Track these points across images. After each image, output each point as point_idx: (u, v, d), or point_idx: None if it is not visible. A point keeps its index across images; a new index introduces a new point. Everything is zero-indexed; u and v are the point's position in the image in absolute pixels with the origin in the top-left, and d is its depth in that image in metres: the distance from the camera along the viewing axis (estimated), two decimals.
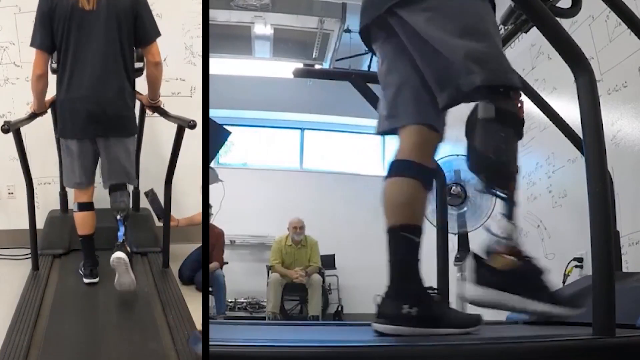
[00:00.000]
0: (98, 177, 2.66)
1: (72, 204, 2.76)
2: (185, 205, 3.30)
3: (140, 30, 2.50)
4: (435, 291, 1.46)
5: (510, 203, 1.40)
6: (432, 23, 1.41)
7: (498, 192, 1.42)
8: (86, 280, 2.65)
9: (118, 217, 2.50)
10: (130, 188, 2.76)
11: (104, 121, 2.44)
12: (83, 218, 2.65)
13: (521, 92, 1.42)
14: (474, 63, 1.35)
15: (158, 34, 2.55)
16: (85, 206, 2.64)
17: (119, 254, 2.35)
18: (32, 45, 2.42)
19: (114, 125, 2.48)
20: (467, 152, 1.43)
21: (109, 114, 2.45)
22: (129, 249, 2.44)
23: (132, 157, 2.61)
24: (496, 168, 1.38)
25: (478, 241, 3.50)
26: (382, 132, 1.59)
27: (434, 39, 1.41)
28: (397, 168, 1.48)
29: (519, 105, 1.40)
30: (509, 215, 1.40)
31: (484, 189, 1.42)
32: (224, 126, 3.65)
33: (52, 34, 2.40)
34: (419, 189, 1.46)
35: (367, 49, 1.66)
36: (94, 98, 2.42)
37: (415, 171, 1.46)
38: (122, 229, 2.48)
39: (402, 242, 1.42)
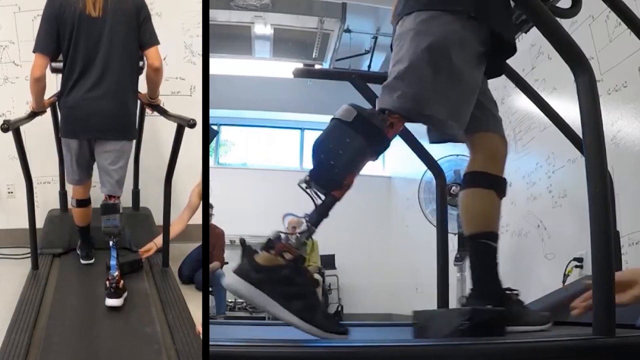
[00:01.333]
0: (96, 177, 2.68)
1: (70, 200, 2.87)
2: (186, 204, 3.29)
3: (144, 35, 2.54)
4: (514, 291, 1.54)
5: (319, 208, 1.33)
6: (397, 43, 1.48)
7: (314, 192, 1.34)
8: (83, 262, 2.89)
9: (110, 243, 2.52)
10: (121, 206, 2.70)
11: (104, 124, 2.48)
12: (80, 213, 2.85)
13: (399, 117, 1.37)
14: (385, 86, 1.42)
15: (157, 41, 2.59)
16: (83, 202, 2.81)
17: (110, 303, 2.31)
18: (35, 50, 2.44)
19: (113, 129, 2.51)
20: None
21: (111, 117, 2.49)
22: (122, 282, 2.38)
23: (126, 162, 2.62)
24: (323, 169, 1.32)
25: None
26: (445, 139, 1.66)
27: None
28: (475, 180, 1.59)
29: (392, 123, 1.35)
30: (312, 218, 1.33)
31: (305, 183, 1.34)
32: (221, 126, 3.65)
33: (58, 40, 2.43)
34: (495, 198, 1.58)
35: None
36: (98, 102, 2.46)
37: (491, 183, 1.58)
38: (114, 260, 2.46)
39: (483, 248, 1.55)
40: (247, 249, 1.30)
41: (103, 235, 2.57)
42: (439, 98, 1.39)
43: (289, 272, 1.27)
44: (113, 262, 2.46)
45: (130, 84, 2.56)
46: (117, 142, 2.54)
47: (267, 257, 1.28)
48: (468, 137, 1.62)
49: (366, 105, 2.21)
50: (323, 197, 1.33)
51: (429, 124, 1.49)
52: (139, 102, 2.83)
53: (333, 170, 1.31)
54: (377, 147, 1.35)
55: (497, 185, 1.59)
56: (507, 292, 1.53)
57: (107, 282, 2.35)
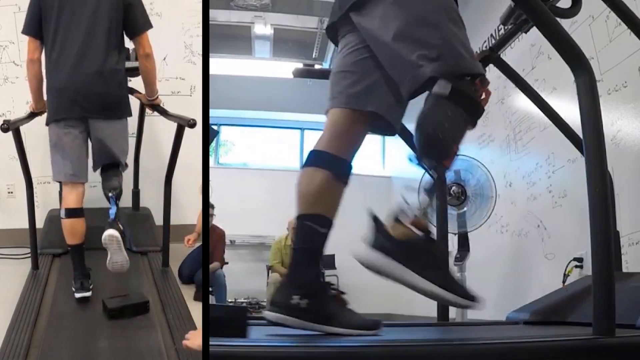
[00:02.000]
0: (92, 178, 2.60)
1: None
2: (186, 204, 3.30)
3: (131, 21, 2.49)
4: (334, 287, 1.44)
5: (437, 179, 1.39)
6: (382, 20, 1.44)
7: (427, 166, 1.40)
8: (77, 295, 2.38)
9: (110, 194, 2.41)
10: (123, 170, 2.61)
11: (91, 101, 2.38)
12: (72, 225, 2.42)
13: (487, 82, 1.39)
14: (422, 58, 1.37)
15: (149, 25, 2.54)
16: (74, 212, 2.42)
17: (110, 232, 2.28)
18: (22, 31, 2.44)
19: (102, 106, 2.40)
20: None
21: (96, 94, 2.39)
22: (121, 226, 2.37)
23: (125, 137, 2.53)
24: (431, 141, 1.35)
25: (477, 241, 3.51)
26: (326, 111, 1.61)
27: (384, 37, 1.43)
28: (311, 159, 1.50)
29: (483, 95, 1.37)
30: (431, 190, 1.40)
31: (415, 159, 1.39)
32: (221, 126, 3.65)
33: (41, 21, 2.41)
34: (331, 180, 1.45)
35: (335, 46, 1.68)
36: (80, 78, 2.37)
37: (328, 163, 1.47)
38: (114, 208, 2.38)
39: (306, 231, 1.42)
40: (378, 223, 1.35)
41: (103, 190, 2.45)
42: (470, 49, 1.43)
43: (425, 244, 1.32)
44: (112, 210, 2.37)
45: (113, 62, 2.44)
46: (108, 122, 2.43)
47: (400, 229, 1.33)
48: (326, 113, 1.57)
49: None
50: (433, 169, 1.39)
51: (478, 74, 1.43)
52: (139, 102, 2.83)
53: (442, 143, 1.35)
54: (474, 114, 1.39)
55: (335, 166, 1.47)
56: (327, 286, 1.42)
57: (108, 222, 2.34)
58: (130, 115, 2.59)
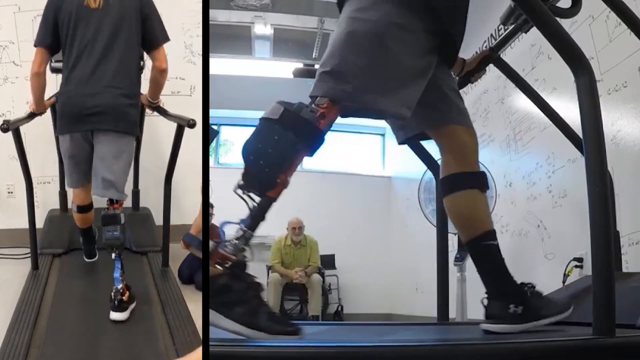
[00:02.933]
0: None
1: (70, 203, 2.76)
2: (186, 204, 3.30)
3: (149, 34, 2.49)
4: (529, 285, 1.50)
5: (254, 210, 1.29)
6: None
7: (246, 195, 1.31)
8: (87, 259, 2.92)
9: (113, 255, 2.38)
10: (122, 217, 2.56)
11: (99, 115, 2.35)
12: (82, 217, 2.75)
13: (332, 103, 1.32)
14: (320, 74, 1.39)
15: (166, 38, 2.54)
16: (85, 208, 2.69)
17: (115, 317, 2.27)
18: (35, 44, 2.41)
19: (109, 120, 2.37)
20: None
21: (106, 108, 2.36)
22: (127, 295, 2.31)
23: (126, 160, 2.46)
24: (253, 170, 1.29)
25: None
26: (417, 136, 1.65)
27: None
28: (465, 182, 1.54)
29: (320, 117, 1.30)
30: (247, 223, 1.28)
31: (240, 188, 1.31)
32: (221, 126, 3.65)
33: (56, 33, 2.39)
34: (480, 195, 1.54)
35: None
36: (92, 91, 2.35)
37: (472, 181, 1.54)
38: (117, 271, 2.35)
39: (487, 250, 1.51)
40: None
41: (105, 247, 2.44)
42: (371, 81, 1.36)
43: (227, 280, 1.23)
44: (117, 274, 2.34)
45: (128, 78, 2.44)
46: (114, 137, 2.38)
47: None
48: (434, 131, 1.59)
49: None
50: (258, 199, 1.30)
51: (355, 104, 1.37)
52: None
53: (264, 170, 1.28)
54: (310, 140, 1.31)
55: (478, 182, 1.54)
56: (524, 286, 1.51)
57: (112, 295, 2.29)
58: (138, 134, 2.70)
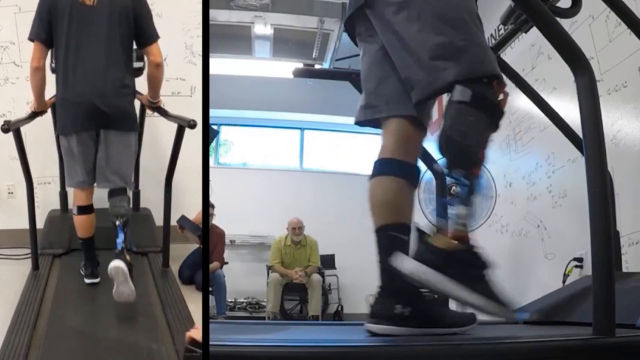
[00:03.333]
0: None
1: (72, 204, 2.72)
2: (186, 204, 3.30)
3: (142, 31, 2.50)
4: (427, 290, 1.40)
5: (469, 188, 1.36)
6: (403, 17, 1.42)
7: (457, 176, 1.38)
8: (87, 281, 2.66)
9: (117, 222, 2.41)
10: (130, 192, 2.67)
11: (103, 115, 2.40)
12: (83, 221, 2.63)
13: (504, 83, 1.40)
14: (443, 60, 1.37)
15: (157, 35, 2.55)
16: (85, 209, 2.61)
17: (117, 263, 2.25)
18: (29, 37, 2.42)
19: (113, 119, 2.43)
20: (439, 133, 1.39)
21: (108, 107, 2.40)
22: (128, 257, 2.34)
23: (131, 156, 2.56)
24: (459, 151, 1.35)
25: (477, 241, 3.50)
26: (360, 122, 1.60)
27: (404, 35, 1.42)
28: (382, 167, 1.49)
29: (501, 96, 1.38)
30: (466, 201, 1.36)
31: (446, 170, 1.40)
32: (221, 126, 3.66)
33: (50, 28, 2.40)
34: (405, 187, 1.47)
35: (353, 43, 1.68)
36: (94, 92, 2.39)
37: (400, 170, 1.47)
38: (121, 236, 2.38)
39: (391, 242, 1.41)
40: (422, 234, 1.34)
41: (105, 234, 2.49)
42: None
43: (469, 256, 1.31)
44: (120, 240, 2.37)
45: (124, 75, 2.47)
46: (118, 134, 2.45)
47: (446, 241, 1.31)
48: (382, 122, 1.54)
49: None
50: (464, 178, 1.36)
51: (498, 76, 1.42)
52: (139, 102, 2.83)
53: (469, 150, 1.35)
54: (496, 118, 1.39)
55: (408, 173, 1.48)
56: (421, 291, 1.40)
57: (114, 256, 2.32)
58: (138, 130, 2.69)
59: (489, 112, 1.37)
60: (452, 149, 1.36)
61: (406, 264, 1.30)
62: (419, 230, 1.35)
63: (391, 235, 1.42)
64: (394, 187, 1.45)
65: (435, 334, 1.36)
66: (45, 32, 2.40)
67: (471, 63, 1.36)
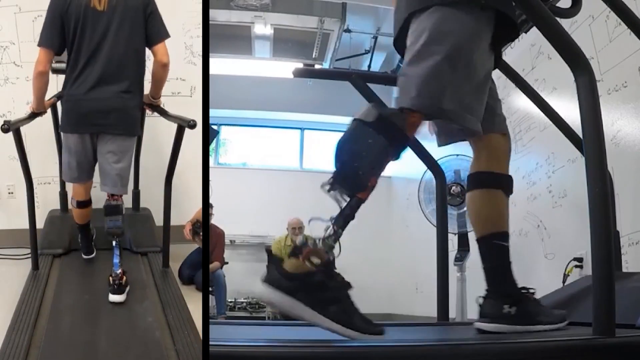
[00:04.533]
0: (97, 177, 2.63)
1: (70, 199, 2.83)
2: (186, 204, 3.30)
3: (151, 30, 2.52)
4: (530, 290, 1.53)
5: (345, 210, 1.32)
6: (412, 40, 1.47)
7: (339, 196, 1.33)
8: (85, 256, 2.96)
9: (114, 243, 2.53)
10: (129, 191, 2.75)
11: (107, 118, 2.44)
12: (80, 213, 2.82)
13: (418, 115, 1.37)
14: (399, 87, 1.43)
15: (167, 34, 2.57)
16: (83, 204, 2.76)
17: (113, 299, 2.39)
18: (40, 44, 2.42)
19: (116, 123, 2.46)
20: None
21: (114, 112, 2.44)
22: (125, 277, 2.44)
23: (130, 160, 2.59)
24: (347, 171, 1.32)
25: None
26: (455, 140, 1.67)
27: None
28: (486, 181, 1.57)
29: (412, 123, 1.36)
30: (338, 221, 1.31)
31: (328, 185, 1.33)
32: (221, 126, 3.66)
33: (61, 34, 2.41)
34: (503, 197, 1.57)
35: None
36: (102, 96, 2.42)
37: (498, 182, 1.57)
38: (117, 258, 2.50)
39: (496, 250, 1.53)
40: (273, 258, 1.29)
41: (106, 234, 2.57)
42: (457, 94, 1.41)
43: (321, 277, 1.26)
44: (116, 260, 2.50)
45: (134, 80, 2.51)
46: (119, 138, 2.49)
47: (295, 263, 1.27)
48: (471, 137, 1.62)
49: (366, 104, 2.22)
50: (347, 199, 1.33)
51: (447, 120, 1.46)
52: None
53: (357, 172, 1.31)
54: (399, 146, 1.36)
55: (504, 184, 1.58)
56: (523, 291, 1.53)
57: (111, 279, 2.41)
58: (139, 134, 2.79)
59: (392, 139, 1.33)
60: (339, 166, 1.33)
61: (258, 290, 1.27)
62: (269, 253, 1.32)
63: (496, 244, 1.52)
64: (498, 199, 1.56)
65: (536, 330, 1.44)
66: (57, 39, 2.42)
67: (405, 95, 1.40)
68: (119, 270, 2.45)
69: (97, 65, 2.42)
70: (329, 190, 1.33)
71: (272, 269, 1.27)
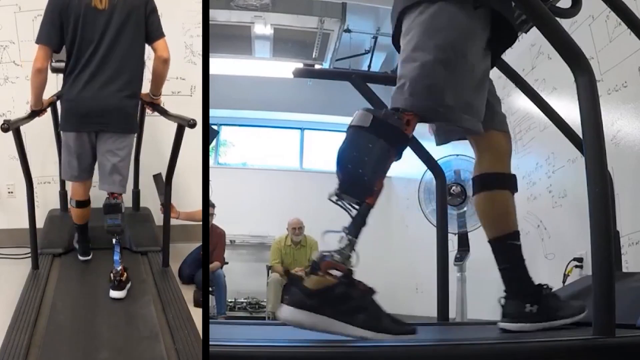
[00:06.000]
0: (96, 177, 2.64)
1: (69, 199, 2.83)
2: (186, 204, 3.30)
3: (152, 27, 2.52)
4: (546, 286, 1.54)
5: (356, 218, 1.33)
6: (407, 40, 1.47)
7: (347, 204, 1.35)
8: (81, 258, 2.94)
9: (114, 240, 2.55)
10: (129, 189, 2.75)
11: (106, 117, 2.45)
12: (79, 212, 2.82)
13: (413, 114, 1.37)
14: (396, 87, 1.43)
15: (163, 33, 2.57)
16: (82, 203, 2.77)
17: (114, 295, 2.43)
18: (38, 41, 2.41)
19: (115, 122, 2.47)
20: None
21: (113, 110, 2.45)
22: (126, 274, 2.48)
23: (129, 157, 2.60)
24: (352, 179, 1.33)
25: (478, 241, 3.51)
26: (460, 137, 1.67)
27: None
28: (495, 182, 1.58)
29: (406, 123, 1.36)
30: (351, 230, 1.32)
31: (336, 196, 1.35)
32: (221, 126, 3.66)
33: (60, 32, 2.41)
34: (510, 197, 1.57)
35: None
36: (101, 94, 2.42)
37: (504, 182, 1.57)
38: (117, 255, 2.53)
39: (510, 249, 1.55)
40: (293, 278, 1.29)
41: (106, 233, 2.57)
42: (453, 93, 1.40)
43: (344, 288, 1.26)
44: (117, 257, 2.53)
45: (134, 79, 2.51)
46: (118, 136, 2.50)
47: (316, 280, 1.27)
48: (472, 136, 1.61)
49: (366, 104, 2.23)
50: (357, 206, 1.34)
51: (444, 120, 1.46)
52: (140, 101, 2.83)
53: (363, 178, 1.32)
54: (399, 146, 1.37)
55: (510, 183, 1.59)
56: (540, 287, 1.54)
57: (112, 276, 2.45)
58: (137, 131, 2.81)
59: (391, 139, 1.34)
60: (343, 175, 1.34)
61: (282, 313, 1.26)
62: (290, 274, 1.34)
63: (510, 244, 1.54)
64: (507, 199, 1.56)
65: (557, 326, 1.47)
66: (56, 36, 2.41)
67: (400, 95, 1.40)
68: (120, 267, 2.47)
69: (96, 64, 2.42)
70: (337, 201, 1.35)
71: (293, 290, 1.27)
